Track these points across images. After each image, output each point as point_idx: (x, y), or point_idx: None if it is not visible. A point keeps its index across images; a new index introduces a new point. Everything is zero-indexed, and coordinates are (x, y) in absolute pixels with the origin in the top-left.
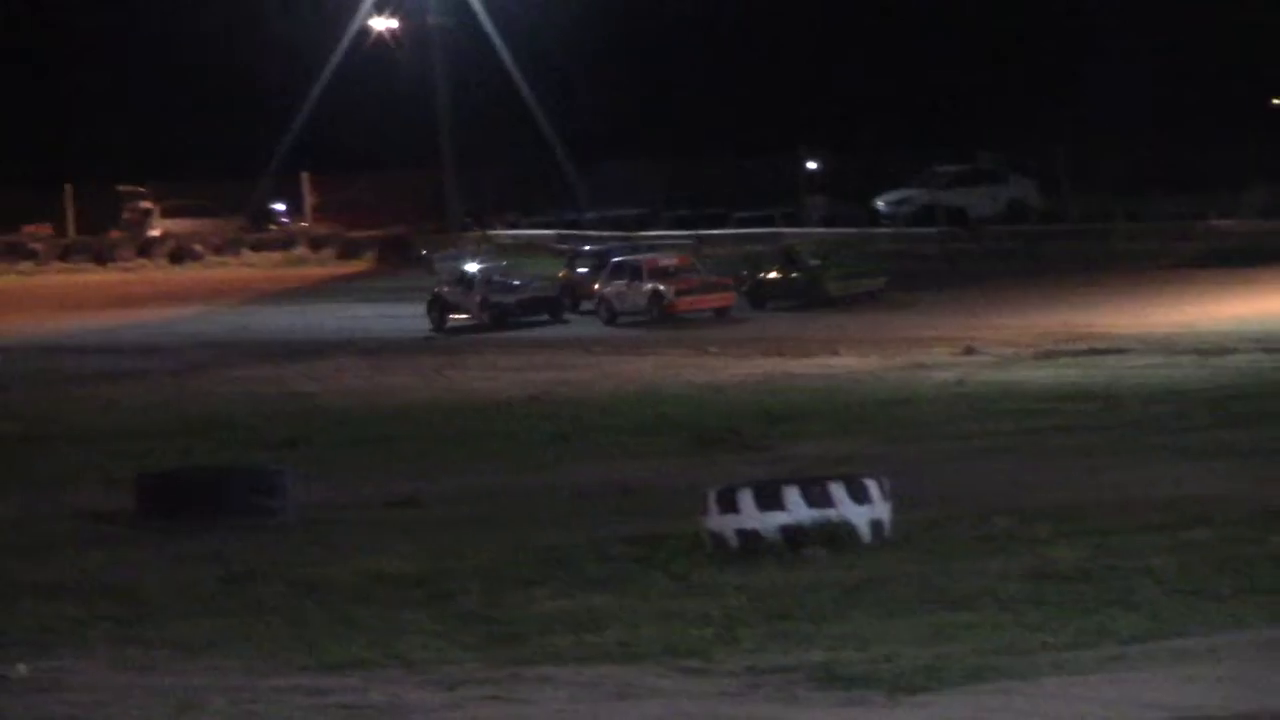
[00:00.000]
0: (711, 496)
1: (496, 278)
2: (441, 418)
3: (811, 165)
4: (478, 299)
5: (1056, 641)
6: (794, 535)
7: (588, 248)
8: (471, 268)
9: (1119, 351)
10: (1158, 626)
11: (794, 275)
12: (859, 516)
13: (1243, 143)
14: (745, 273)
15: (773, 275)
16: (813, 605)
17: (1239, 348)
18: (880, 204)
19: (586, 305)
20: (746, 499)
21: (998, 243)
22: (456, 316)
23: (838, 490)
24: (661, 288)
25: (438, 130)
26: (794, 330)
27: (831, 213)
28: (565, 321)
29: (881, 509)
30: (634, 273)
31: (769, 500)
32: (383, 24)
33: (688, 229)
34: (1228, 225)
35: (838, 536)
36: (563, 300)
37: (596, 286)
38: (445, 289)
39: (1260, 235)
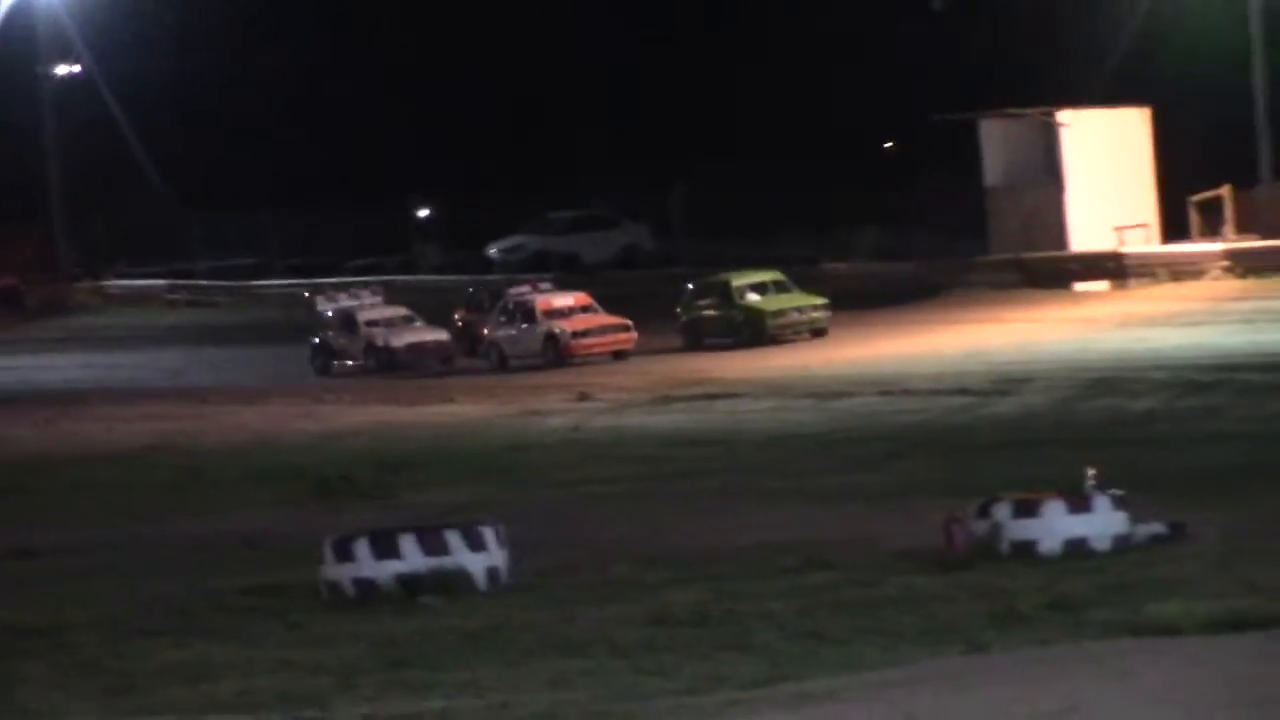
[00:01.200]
0: (327, 545)
1: (383, 321)
2: (56, 469)
3: (423, 213)
4: (363, 344)
5: (674, 687)
6: (410, 583)
7: (473, 288)
8: (356, 310)
9: (734, 396)
10: (777, 670)
11: (732, 312)
12: (475, 564)
13: (857, 185)
14: (679, 310)
15: (709, 312)
16: (430, 653)
17: (854, 390)
18: (492, 251)
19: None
20: (363, 548)
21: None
22: (343, 363)
23: (453, 538)
24: (557, 330)
25: (47, 179)
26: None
27: (445, 260)
28: (454, 369)
29: (498, 556)
30: (526, 314)
31: (385, 549)
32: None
33: (302, 278)
34: (840, 268)
35: (454, 584)
36: (456, 344)
37: (486, 330)
38: (330, 333)
39: (872, 278)
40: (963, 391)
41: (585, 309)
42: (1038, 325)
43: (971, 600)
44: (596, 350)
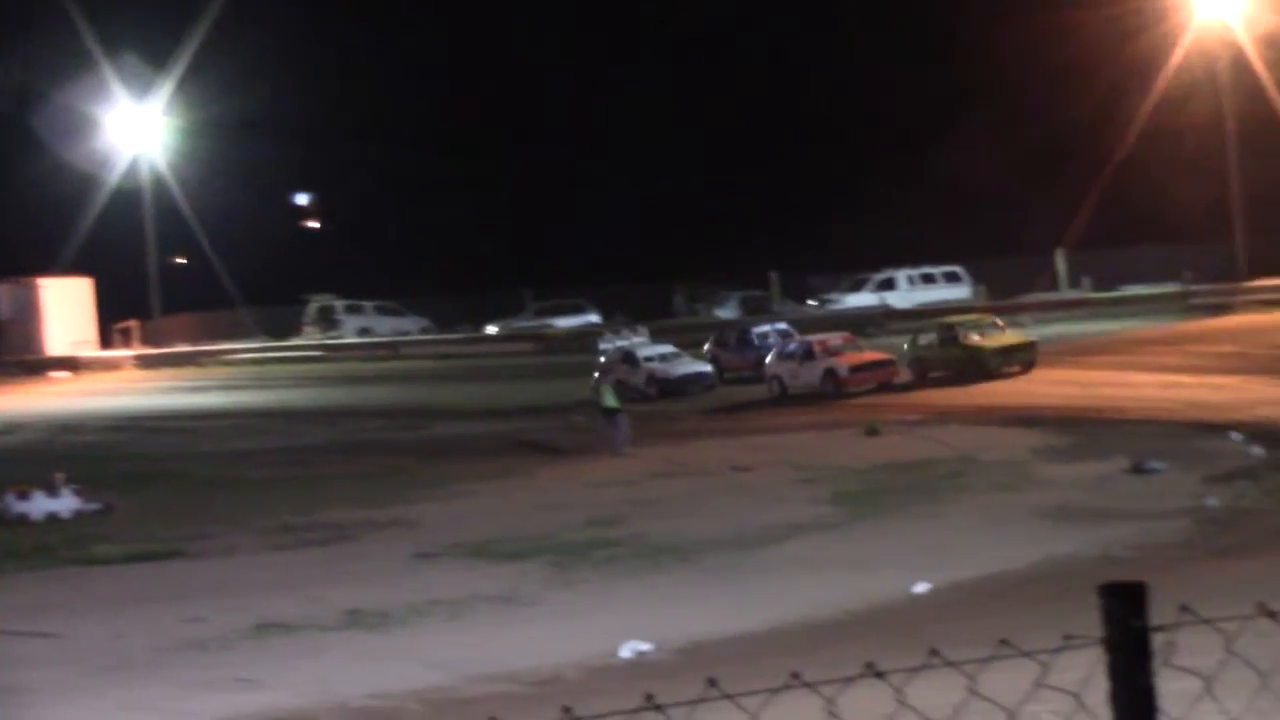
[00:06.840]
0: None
1: (657, 357)
2: None
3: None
4: (644, 376)
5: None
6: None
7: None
8: (636, 349)
9: None
10: None
11: (954, 351)
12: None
13: None
14: (906, 348)
15: (934, 351)
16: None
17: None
18: None
19: (729, 376)
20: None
21: None
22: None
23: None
24: (834, 366)
25: None
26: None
27: None
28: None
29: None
30: (806, 353)
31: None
32: None
33: None
34: None
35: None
36: (715, 374)
37: (767, 364)
38: (611, 367)
39: None
40: None
41: (851, 346)
42: (31, 396)
43: None
44: (867, 382)
